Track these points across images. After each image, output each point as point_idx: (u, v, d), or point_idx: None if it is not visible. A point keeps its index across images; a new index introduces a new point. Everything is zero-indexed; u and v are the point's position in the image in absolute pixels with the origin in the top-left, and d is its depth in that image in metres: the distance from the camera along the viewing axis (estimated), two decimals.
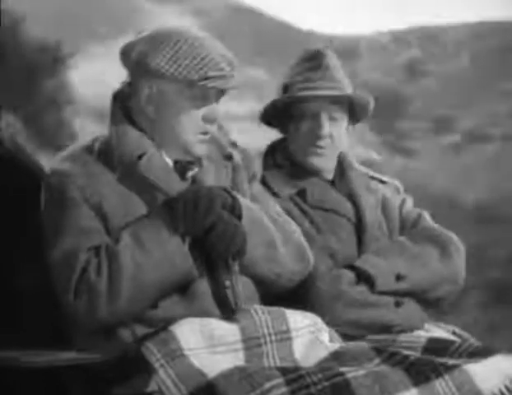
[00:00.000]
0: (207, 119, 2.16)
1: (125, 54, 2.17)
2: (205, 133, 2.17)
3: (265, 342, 2.02)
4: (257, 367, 1.92)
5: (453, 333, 2.40)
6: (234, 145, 2.28)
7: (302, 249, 2.26)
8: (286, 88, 2.50)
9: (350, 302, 2.32)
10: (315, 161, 2.48)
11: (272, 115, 2.53)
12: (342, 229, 2.46)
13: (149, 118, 2.15)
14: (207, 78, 2.10)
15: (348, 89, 2.50)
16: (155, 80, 2.12)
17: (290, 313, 2.09)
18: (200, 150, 2.18)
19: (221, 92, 2.18)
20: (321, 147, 2.47)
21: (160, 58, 2.10)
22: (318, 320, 2.15)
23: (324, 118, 2.46)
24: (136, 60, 2.13)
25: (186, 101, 2.13)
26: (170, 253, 2.03)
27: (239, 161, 2.30)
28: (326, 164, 2.51)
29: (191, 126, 2.15)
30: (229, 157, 2.27)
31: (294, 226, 2.29)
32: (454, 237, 2.50)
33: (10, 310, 2.26)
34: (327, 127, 2.46)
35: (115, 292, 1.99)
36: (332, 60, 2.51)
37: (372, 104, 2.54)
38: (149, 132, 2.16)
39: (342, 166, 2.55)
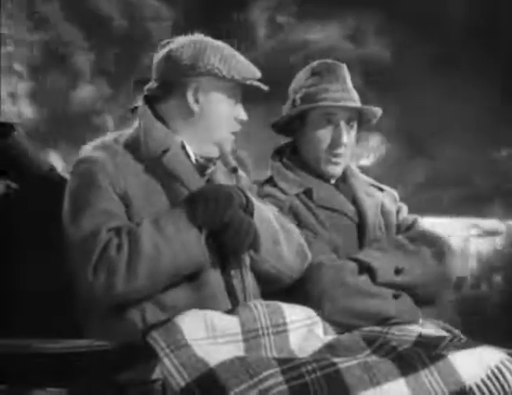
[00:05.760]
0: (239, 119, 2.36)
1: (170, 58, 2.32)
2: (234, 133, 2.37)
3: (263, 334, 2.11)
4: (255, 357, 2.01)
5: (444, 328, 2.46)
6: (234, 170, 2.40)
7: (302, 247, 2.37)
8: (305, 96, 2.60)
9: (352, 291, 2.38)
10: (331, 169, 2.60)
11: (284, 122, 2.65)
12: (345, 228, 2.56)
13: (188, 115, 2.32)
14: (245, 78, 2.32)
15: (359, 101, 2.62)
16: (203, 79, 2.30)
17: (286, 307, 2.19)
18: (229, 147, 2.36)
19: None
20: (339, 156, 2.58)
21: (212, 59, 2.28)
22: (313, 314, 2.25)
23: (344, 127, 2.57)
24: (184, 63, 2.30)
25: (227, 100, 2.33)
26: (187, 241, 2.14)
27: (243, 174, 2.44)
28: (339, 171, 2.62)
29: (228, 124, 2.34)
30: (234, 170, 2.39)
31: (294, 227, 2.41)
32: (448, 240, 2.58)
33: (23, 302, 2.35)
34: (346, 136, 2.57)
35: (133, 271, 2.08)
36: (347, 72, 2.64)
37: (379, 116, 2.65)
38: (181, 128, 2.32)
39: (345, 173, 2.66)
